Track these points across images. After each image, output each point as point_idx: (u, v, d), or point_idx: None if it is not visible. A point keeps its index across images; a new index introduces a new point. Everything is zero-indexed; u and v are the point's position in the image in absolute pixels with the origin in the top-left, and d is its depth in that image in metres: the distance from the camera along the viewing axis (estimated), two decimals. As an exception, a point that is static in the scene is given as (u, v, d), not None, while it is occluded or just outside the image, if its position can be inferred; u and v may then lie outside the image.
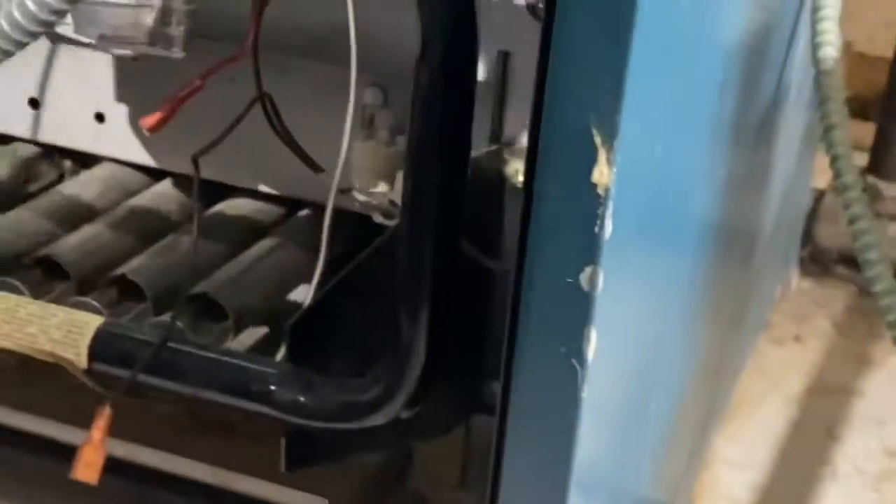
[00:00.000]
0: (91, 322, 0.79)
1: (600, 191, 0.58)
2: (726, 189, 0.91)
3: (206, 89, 0.76)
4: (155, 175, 0.98)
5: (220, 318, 0.84)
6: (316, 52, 0.91)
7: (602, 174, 0.58)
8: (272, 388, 0.75)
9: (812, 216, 1.54)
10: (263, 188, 0.95)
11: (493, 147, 0.88)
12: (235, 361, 0.77)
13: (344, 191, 0.83)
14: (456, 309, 0.74)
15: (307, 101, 0.91)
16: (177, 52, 0.71)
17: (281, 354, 0.80)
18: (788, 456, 1.23)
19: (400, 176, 0.87)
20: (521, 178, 0.82)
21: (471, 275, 0.77)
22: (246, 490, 0.88)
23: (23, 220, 0.91)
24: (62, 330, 0.79)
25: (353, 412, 0.75)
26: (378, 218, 0.90)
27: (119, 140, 0.98)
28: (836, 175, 0.93)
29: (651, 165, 0.65)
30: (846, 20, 0.99)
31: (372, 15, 0.76)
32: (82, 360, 0.78)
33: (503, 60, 0.87)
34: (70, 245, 0.88)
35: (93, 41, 0.71)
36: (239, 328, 0.84)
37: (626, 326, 0.69)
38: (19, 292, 0.83)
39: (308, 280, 0.82)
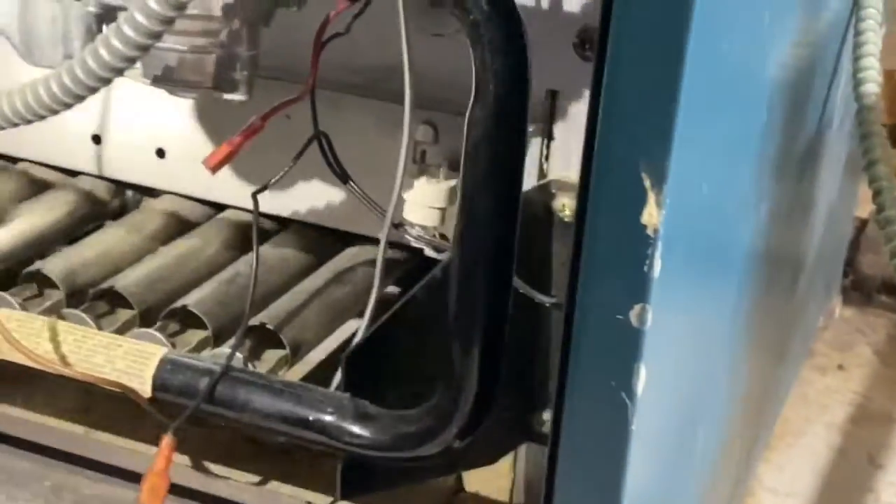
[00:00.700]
0: (155, 353, 0.82)
1: (650, 232, 0.60)
2: (771, 221, 0.93)
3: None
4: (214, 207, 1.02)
5: (276, 348, 0.87)
6: (370, 90, 0.94)
7: (651, 216, 0.60)
8: (329, 417, 0.78)
9: (854, 245, 1.55)
10: (318, 222, 0.98)
11: (541, 182, 0.90)
12: (293, 391, 0.80)
13: (397, 226, 0.86)
14: (506, 340, 0.76)
15: (360, 137, 0.93)
16: (240, 96, 0.74)
17: (335, 384, 0.82)
18: (832, 483, 1.24)
19: (450, 210, 0.89)
20: (568, 212, 0.86)
21: (519, 307, 0.80)
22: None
23: (87, 251, 0.94)
24: (127, 360, 0.82)
25: (407, 442, 0.78)
26: (429, 252, 0.93)
27: (179, 175, 1.01)
28: (879, 209, 0.95)
29: (698, 204, 0.67)
30: (886, 50, 1.01)
31: (424, 54, 0.78)
32: (147, 390, 0.81)
33: (551, 99, 0.89)
34: (133, 277, 0.91)
35: (160, 85, 0.74)
36: (295, 358, 0.86)
37: (674, 360, 0.71)
38: (86, 324, 0.86)
39: (360, 312, 0.85)
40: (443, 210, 0.89)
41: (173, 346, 0.86)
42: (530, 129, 0.75)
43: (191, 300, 0.88)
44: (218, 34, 0.72)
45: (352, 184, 0.85)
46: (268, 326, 0.86)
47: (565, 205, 0.86)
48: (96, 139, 1.02)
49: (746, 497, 1.18)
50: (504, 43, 0.69)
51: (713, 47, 0.61)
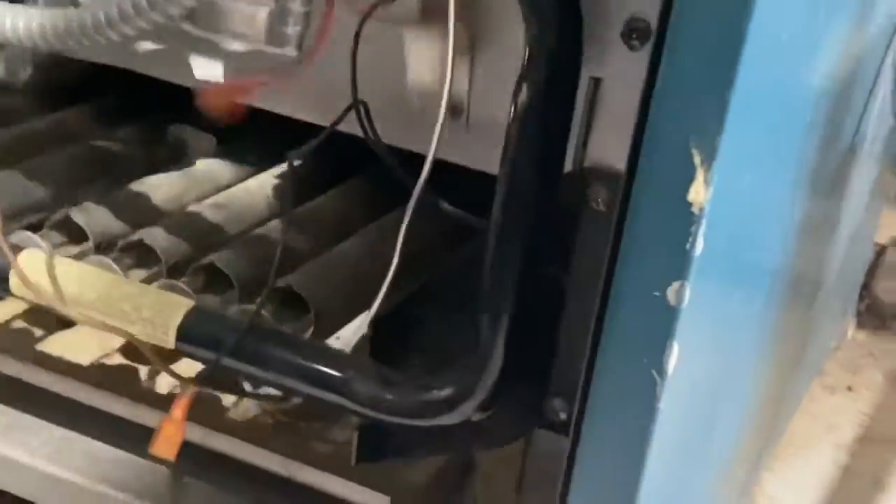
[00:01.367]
0: (182, 304, 0.82)
1: (695, 209, 0.60)
2: (800, 232, 0.93)
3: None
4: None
5: (302, 312, 0.87)
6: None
7: (698, 193, 0.60)
8: (352, 380, 0.78)
9: (871, 270, 1.55)
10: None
11: (578, 168, 0.90)
12: (317, 351, 0.80)
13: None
14: (530, 322, 0.76)
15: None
16: (290, 51, 0.74)
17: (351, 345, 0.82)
18: (836, 499, 1.24)
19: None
20: (601, 201, 0.86)
21: (542, 292, 0.80)
22: (310, 482, 0.91)
23: (120, 202, 0.95)
24: (153, 309, 0.82)
25: (428, 409, 0.78)
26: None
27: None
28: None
29: (740, 193, 0.67)
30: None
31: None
32: (170, 340, 0.81)
33: (593, 86, 0.89)
34: (163, 230, 0.91)
35: (209, 34, 0.74)
36: (319, 322, 0.87)
37: (703, 344, 0.71)
38: (114, 272, 0.87)
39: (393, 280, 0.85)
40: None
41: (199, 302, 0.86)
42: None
43: (219, 257, 0.88)
44: (273, -13, 0.72)
45: (388, 155, 0.85)
46: (294, 289, 0.86)
47: (600, 193, 0.86)
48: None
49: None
50: (560, 19, 0.70)
51: (773, 34, 0.62)
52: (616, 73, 0.88)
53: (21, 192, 0.94)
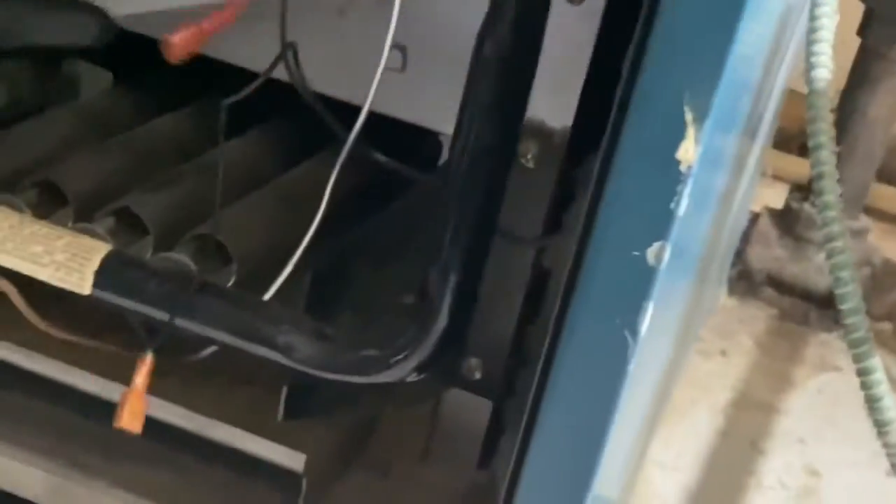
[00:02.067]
0: (98, 248, 0.77)
1: (683, 168, 0.59)
2: (720, 200, 0.94)
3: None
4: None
5: (219, 261, 0.83)
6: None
7: (688, 151, 0.59)
8: (288, 336, 0.74)
9: (745, 237, 1.58)
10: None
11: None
12: (249, 305, 0.76)
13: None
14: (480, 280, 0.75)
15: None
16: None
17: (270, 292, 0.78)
18: (716, 463, 1.26)
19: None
20: (531, 157, 0.84)
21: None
22: (224, 439, 0.87)
23: (18, 139, 0.88)
24: (67, 253, 0.76)
25: (365, 367, 0.75)
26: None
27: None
28: (819, 193, 0.96)
29: (711, 154, 0.66)
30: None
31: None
32: (86, 286, 0.76)
33: (531, 39, 0.88)
34: (70, 170, 0.85)
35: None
36: (241, 272, 0.82)
37: (661, 308, 0.70)
38: (20, 211, 0.80)
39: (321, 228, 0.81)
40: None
41: (110, 246, 0.81)
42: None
43: (134, 200, 0.83)
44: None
45: (320, 106, 0.81)
46: (215, 238, 0.82)
47: (530, 149, 0.84)
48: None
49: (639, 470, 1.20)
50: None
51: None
52: (555, 27, 0.87)
53: None
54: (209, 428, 0.86)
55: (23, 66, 1.01)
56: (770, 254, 1.55)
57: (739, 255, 1.57)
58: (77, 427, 0.88)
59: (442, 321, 0.73)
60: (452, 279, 0.73)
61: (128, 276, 0.76)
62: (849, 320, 0.98)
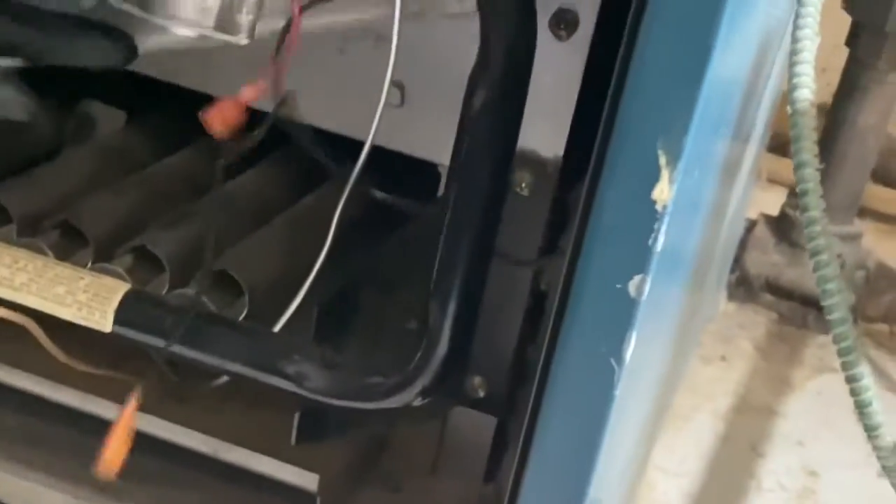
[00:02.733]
0: (118, 288, 0.81)
1: (659, 207, 0.63)
2: (709, 218, 0.98)
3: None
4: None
5: (233, 294, 0.87)
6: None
7: (663, 192, 0.63)
8: (297, 364, 0.79)
9: (742, 244, 1.62)
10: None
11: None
12: (261, 336, 0.80)
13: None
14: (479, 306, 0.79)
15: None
16: (241, 39, 0.74)
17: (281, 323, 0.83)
18: (717, 467, 1.30)
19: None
20: (525, 186, 0.88)
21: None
22: (237, 461, 0.91)
23: (39, 180, 0.93)
24: (89, 293, 0.81)
25: (371, 394, 0.79)
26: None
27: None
28: (804, 209, 1.00)
29: (689, 189, 0.70)
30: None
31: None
32: (108, 324, 0.81)
33: (522, 73, 0.92)
34: (88, 211, 0.90)
35: (159, 20, 0.74)
36: (253, 305, 0.87)
37: (647, 335, 0.75)
38: (43, 253, 0.85)
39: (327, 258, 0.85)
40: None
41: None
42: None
43: (149, 238, 0.87)
44: (226, -26, 0.72)
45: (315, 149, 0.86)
46: (227, 271, 0.86)
47: (524, 179, 0.89)
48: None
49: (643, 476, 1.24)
50: (516, 16, 0.72)
51: (732, 38, 0.65)
52: (543, 62, 0.91)
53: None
54: (226, 451, 0.91)
55: (41, 106, 1.05)
56: (767, 259, 1.59)
57: (737, 261, 1.61)
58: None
59: (443, 347, 0.78)
60: (451, 306, 0.77)
61: (146, 314, 0.80)
62: (837, 330, 1.03)
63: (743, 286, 1.62)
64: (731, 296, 1.63)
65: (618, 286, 0.65)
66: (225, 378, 0.86)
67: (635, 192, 0.63)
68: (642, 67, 0.62)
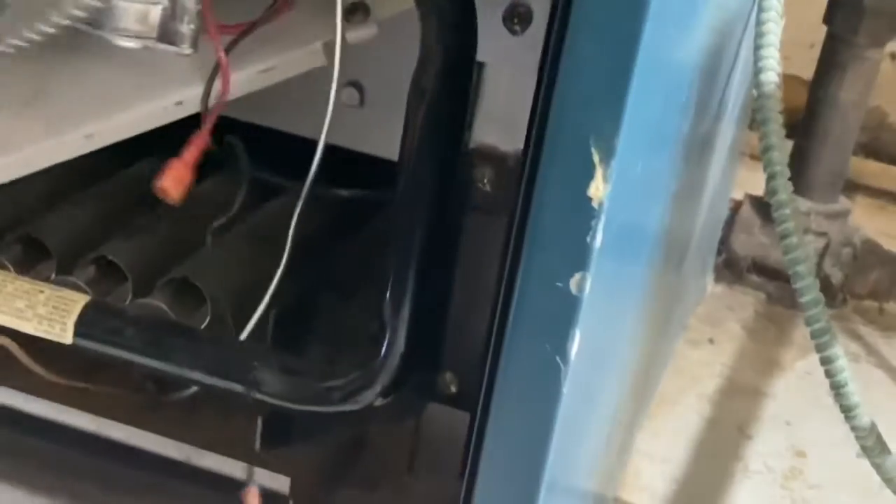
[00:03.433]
0: (78, 300, 0.82)
1: (595, 204, 0.64)
2: (675, 202, 0.98)
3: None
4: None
5: (195, 301, 0.88)
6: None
7: (598, 189, 0.63)
8: (256, 371, 0.79)
9: (728, 225, 1.62)
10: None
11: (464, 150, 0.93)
12: (221, 343, 0.81)
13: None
14: (436, 303, 0.79)
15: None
16: (185, 49, 0.74)
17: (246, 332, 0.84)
18: (704, 451, 1.30)
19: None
20: (487, 181, 0.88)
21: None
22: (209, 466, 0.92)
23: (7, 193, 0.93)
24: (48, 306, 0.82)
25: (331, 397, 0.80)
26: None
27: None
28: (772, 192, 1.00)
29: (632, 182, 0.70)
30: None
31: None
32: (68, 336, 0.81)
33: (477, 70, 0.92)
34: (50, 223, 0.90)
35: (102, 33, 0.74)
36: (214, 311, 0.87)
37: (598, 328, 0.75)
38: (4, 268, 0.86)
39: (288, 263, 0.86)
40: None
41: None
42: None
43: (111, 248, 0.88)
44: (166, -15, 0.72)
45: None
46: (189, 279, 0.87)
47: (486, 174, 0.89)
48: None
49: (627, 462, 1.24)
50: (455, 13, 0.72)
51: (661, 33, 0.65)
52: (499, 57, 0.91)
53: None
54: (198, 457, 0.91)
55: None
56: (754, 241, 1.59)
57: (724, 242, 1.61)
58: (76, 463, 0.94)
59: (398, 347, 0.78)
60: (406, 305, 0.77)
61: (106, 325, 0.81)
62: (809, 312, 1.03)
63: (730, 268, 1.62)
64: (719, 277, 1.63)
65: (558, 284, 0.65)
66: (192, 389, 0.87)
67: (571, 190, 0.64)
68: (570, 68, 0.62)
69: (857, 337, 1.55)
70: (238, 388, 0.79)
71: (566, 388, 0.67)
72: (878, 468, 0.93)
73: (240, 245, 0.92)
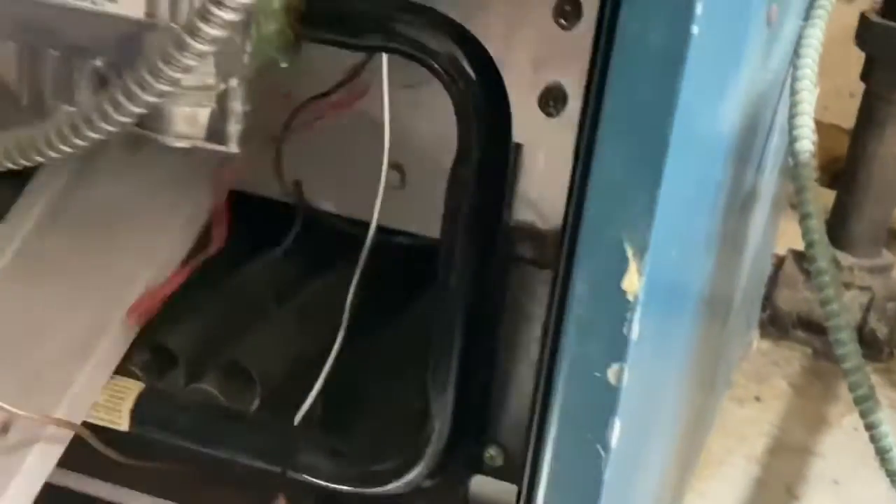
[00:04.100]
0: (133, 388, 0.85)
1: (630, 297, 0.65)
2: (716, 267, 0.99)
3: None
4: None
5: (246, 380, 0.90)
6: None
7: (632, 282, 0.65)
8: (304, 454, 0.82)
9: (772, 281, 1.62)
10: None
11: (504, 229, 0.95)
12: (270, 429, 0.83)
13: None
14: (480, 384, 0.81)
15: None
16: (232, 148, 0.77)
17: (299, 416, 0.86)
18: (752, 512, 1.31)
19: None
20: (526, 259, 0.90)
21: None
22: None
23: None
24: (105, 395, 0.85)
25: (378, 479, 0.82)
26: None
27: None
28: (811, 260, 1.02)
29: (669, 267, 0.72)
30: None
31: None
32: (125, 424, 0.84)
33: (515, 152, 0.94)
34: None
35: (151, 134, 0.77)
36: (265, 392, 0.90)
37: (639, 410, 0.76)
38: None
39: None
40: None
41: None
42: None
43: (163, 335, 0.91)
44: (214, 89, 0.75)
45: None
46: (239, 363, 0.89)
47: (527, 251, 0.91)
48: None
49: (674, 525, 1.24)
50: (489, 110, 0.74)
51: (692, 125, 0.67)
52: (535, 138, 0.94)
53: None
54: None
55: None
56: (798, 296, 1.59)
57: (768, 298, 1.61)
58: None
59: (444, 427, 0.80)
60: (450, 384, 0.79)
61: (160, 412, 0.84)
62: (852, 378, 1.04)
63: (775, 324, 1.62)
64: (764, 333, 1.63)
65: (597, 374, 0.67)
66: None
67: (605, 282, 0.65)
68: (601, 166, 0.64)
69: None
70: (287, 471, 0.82)
71: (608, 475, 0.69)
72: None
73: (288, 324, 0.95)
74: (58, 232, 0.92)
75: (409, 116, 0.89)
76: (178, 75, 0.67)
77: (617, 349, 0.66)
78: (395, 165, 0.98)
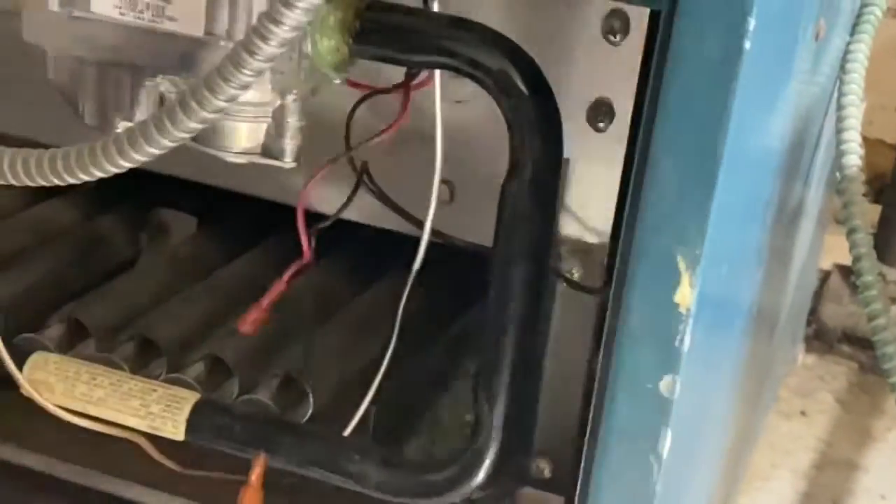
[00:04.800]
0: (188, 398, 0.86)
1: (682, 310, 0.66)
2: (764, 282, 1.00)
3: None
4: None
5: (299, 390, 0.91)
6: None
7: (684, 296, 0.66)
8: (358, 464, 0.83)
9: (817, 295, 1.62)
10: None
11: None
12: (325, 440, 0.84)
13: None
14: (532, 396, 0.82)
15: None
16: (288, 163, 0.79)
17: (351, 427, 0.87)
18: (798, 527, 1.31)
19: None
20: (575, 272, 0.91)
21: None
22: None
23: (115, 293, 0.98)
24: (161, 404, 0.86)
25: (431, 489, 0.83)
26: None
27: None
28: (858, 274, 1.02)
29: (719, 282, 0.73)
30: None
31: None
32: (181, 433, 0.85)
33: (564, 167, 0.95)
34: (162, 321, 0.95)
35: (209, 149, 0.79)
36: (317, 403, 0.91)
37: (690, 422, 0.77)
38: (120, 368, 0.90)
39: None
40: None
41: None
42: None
43: (218, 347, 0.92)
44: (270, 105, 0.77)
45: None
46: (291, 375, 0.91)
47: (574, 266, 0.92)
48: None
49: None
50: (542, 125, 0.75)
51: (744, 139, 0.68)
52: (583, 153, 0.94)
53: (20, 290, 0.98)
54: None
55: (118, 216, 1.12)
56: (844, 310, 1.59)
57: (813, 313, 1.61)
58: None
59: (495, 439, 0.81)
60: (500, 397, 0.80)
61: (215, 422, 0.85)
62: (899, 393, 1.04)
63: (820, 338, 1.62)
64: (809, 348, 1.63)
65: (649, 386, 0.68)
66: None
67: (657, 295, 0.66)
68: (654, 179, 0.64)
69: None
70: (341, 480, 0.83)
71: (659, 487, 0.69)
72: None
73: (340, 336, 0.96)
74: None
75: (458, 131, 0.90)
76: (235, 91, 0.68)
77: (669, 361, 0.67)
78: (444, 180, 1.00)
